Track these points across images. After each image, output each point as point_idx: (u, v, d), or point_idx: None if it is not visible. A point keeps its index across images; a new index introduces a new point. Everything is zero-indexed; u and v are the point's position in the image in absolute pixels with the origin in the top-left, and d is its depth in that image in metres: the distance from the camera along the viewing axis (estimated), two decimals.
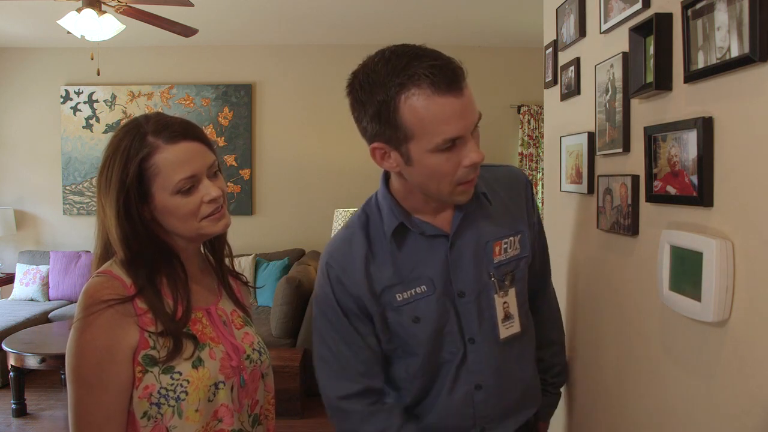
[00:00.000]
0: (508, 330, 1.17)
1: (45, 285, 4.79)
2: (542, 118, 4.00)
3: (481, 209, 1.15)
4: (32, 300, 4.75)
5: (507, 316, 1.17)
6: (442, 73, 0.93)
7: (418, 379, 1.18)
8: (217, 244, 1.15)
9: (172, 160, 0.98)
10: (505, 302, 1.16)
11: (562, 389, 1.51)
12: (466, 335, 1.16)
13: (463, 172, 1.01)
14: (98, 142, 5.15)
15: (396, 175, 1.10)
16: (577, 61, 1.61)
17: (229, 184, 5.14)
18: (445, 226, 1.13)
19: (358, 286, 1.12)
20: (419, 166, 1.01)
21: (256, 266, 4.80)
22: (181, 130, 1.00)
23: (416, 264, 1.12)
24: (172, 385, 0.96)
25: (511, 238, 1.17)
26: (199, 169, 1.00)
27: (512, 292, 1.17)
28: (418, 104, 0.94)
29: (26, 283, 4.79)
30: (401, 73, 0.94)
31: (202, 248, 1.15)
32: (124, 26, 3.25)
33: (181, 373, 0.96)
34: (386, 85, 0.95)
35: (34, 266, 4.85)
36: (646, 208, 1.23)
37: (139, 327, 0.96)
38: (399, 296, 1.11)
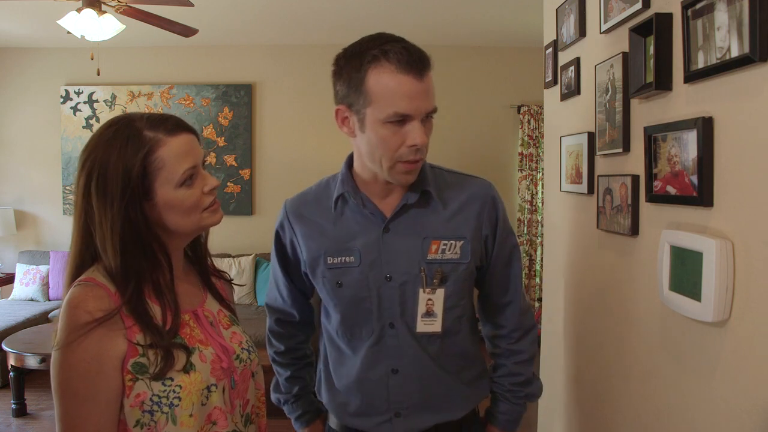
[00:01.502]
0: (426, 326, 1.21)
1: (45, 285, 4.79)
2: (542, 118, 4.00)
3: (427, 206, 1.22)
4: (32, 300, 4.75)
5: (428, 313, 1.21)
6: (409, 55, 1.07)
7: (342, 340, 1.26)
8: (197, 244, 1.14)
9: (176, 152, 0.96)
10: (429, 299, 1.20)
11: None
12: (386, 318, 1.21)
13: (405, 151, 1.10)
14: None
15: (356, 154, 1.22)
16: (577, 61, 1.61)
17: (229, 183, 5.14)
18: (387, 211, 1.22)
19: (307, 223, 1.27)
20: (370, 133, 1.11)
21: (256, 266, 4.80)
22: (179, 123, 1.00)
23: (351, 235, 1.22)
24: (165, 391, 0.93)
25: (452, 242, 1.21)
26: (198, 160, 1.00)
27: (440, 292, 1.20)
28: (382, 75, 1.07)
29: (26, 283, 4.79)
30: (377, 47, 1.08)
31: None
32: (124, 26, 3.25)
33: (172, 379, 0.94)
34: (363, 55, 1.09)
35: (34, 266, 4.85)
36: (646, 208, 1.23)
37: (126, 339, 0.93)
38: (330, 259, 1.23)
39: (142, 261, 0.97)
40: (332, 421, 1.34)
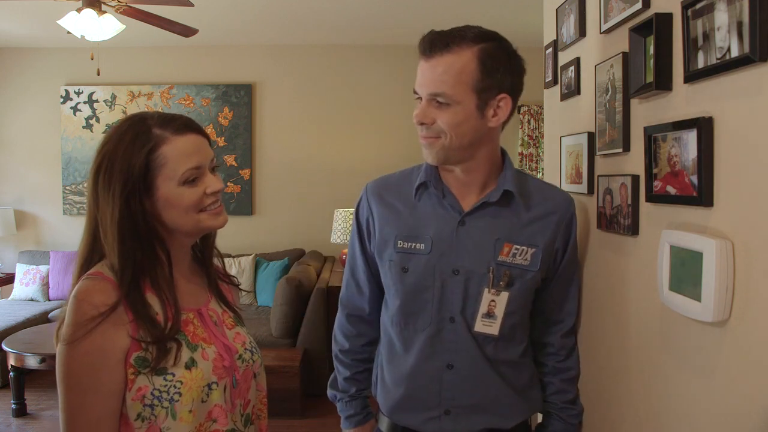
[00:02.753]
0: (484, 327, 1.21)
1: (45, 285, 4.79)
2: (542, 118, 4.00)
3: (508, 207, 1.22)
4: (32, 300, 4.75)
5: (489, 314, 1.20)
6: (425, 39, 1.15)
7: (395, 329, 1.26)
8: (206, 246, 1.15)
9: (180, 150, 0.99)
10: (492, 300, 1.20)
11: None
12: (446, 312, 1.21)
13: (419, 128, 1.17)
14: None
15: None
16: (577, 61, 1.61)
17: (229, 184, 5.14)
18: (465, 205, 1.23)
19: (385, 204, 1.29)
20: None
21: (256, 266, 4.79)
22: (188, 123, 1.03)
23: (426, 223, 1.23)
24: (165, 386, 0.95)
25: (525, 248, 1.21)
26: (203, 161, 1.02)
27: (504, 295, 1.20)
28: None
29: (26, 283, 4.79)
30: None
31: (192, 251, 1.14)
32: (124, 26, 3.25)
33: (174, 375, 0.96)
34: None
35: (34, 266, 4.85)
36: (646, 208, 1.23)
37: (129, 335, 0.95)
38: (400, 243, 1.24)
39: (139, 253, 0.98)
40: (382, 423, 1.33)
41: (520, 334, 1.28)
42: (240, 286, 1.25)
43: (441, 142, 1.15)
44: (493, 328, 1.20)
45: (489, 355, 1.23)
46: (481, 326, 1.20)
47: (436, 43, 1.12)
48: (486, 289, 1.19)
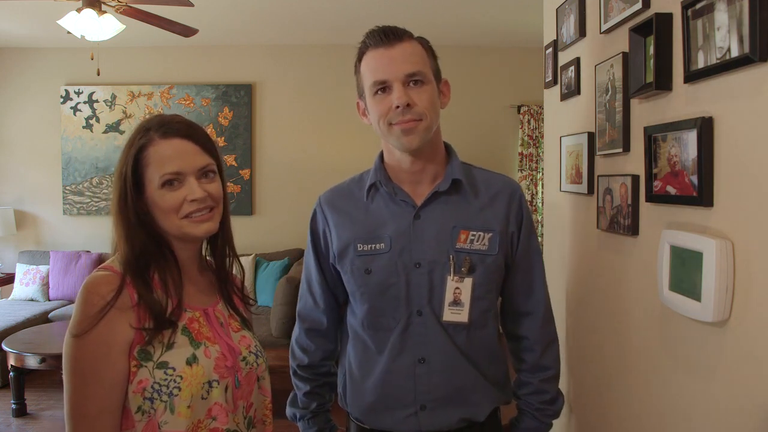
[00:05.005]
0: (452, 315, 1.22)
1: (45, 285, 4.79)
2: (542, 118, 4.00)
3: (458, 195, 1.25)
4: (32, 300, 4.75)
5: (456, 302, 1.21)
6: (378, 32, 1.19)
7: (368, 332, 1.27)
8: (215, 252, 1.16)
9: (161, 154, 1.03)
10: (457, 288, 1.21)
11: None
12: (413, 306, 1.22)
13: (393, 114, 1.17)
14: (98, 142, 5.15)
15: (382, 141, 1.28)
16: (577, 61, 1.61)
17: (229, 184, 5.13)
18: (418, 199, 1.25)
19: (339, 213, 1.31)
20: (370, 112, 1.22)
21: (256, 266, 4.79)
22: (179, 129, 1.05)
23: (382, 222, 1.25)
24: (165, 380, 0.97)
25: (480, 233, 1.23)
26: (185, 168, 1.03)
27: (468, 281, 1.21)
28: (365, 57, 1.21)
29: (26, 283, 4.79)
30: (363, 38, 1.21)
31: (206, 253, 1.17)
32: (124, 26, 3.25)
33: (174, 369, 0.98)
34: (359, 49, 1.23)
35: (34, 266, 4.85)
36: (646, 208, 1.23)
37: (133, 327, 0.97)
38: (360, 246, 1.25)
39: (138, 242, 1.03)
40: (352, 429, 1.32)
41: (493, 322, 1.28)
42: (252, 304, 1.26)
43: (423, 124, 1.17)
44: (461, 316, 1.21)
45: (461, 345, 1.23)
46: (449, 315, 1.21)
47: (392, 33, 1.17)
48: (449, 277, 1.21)
